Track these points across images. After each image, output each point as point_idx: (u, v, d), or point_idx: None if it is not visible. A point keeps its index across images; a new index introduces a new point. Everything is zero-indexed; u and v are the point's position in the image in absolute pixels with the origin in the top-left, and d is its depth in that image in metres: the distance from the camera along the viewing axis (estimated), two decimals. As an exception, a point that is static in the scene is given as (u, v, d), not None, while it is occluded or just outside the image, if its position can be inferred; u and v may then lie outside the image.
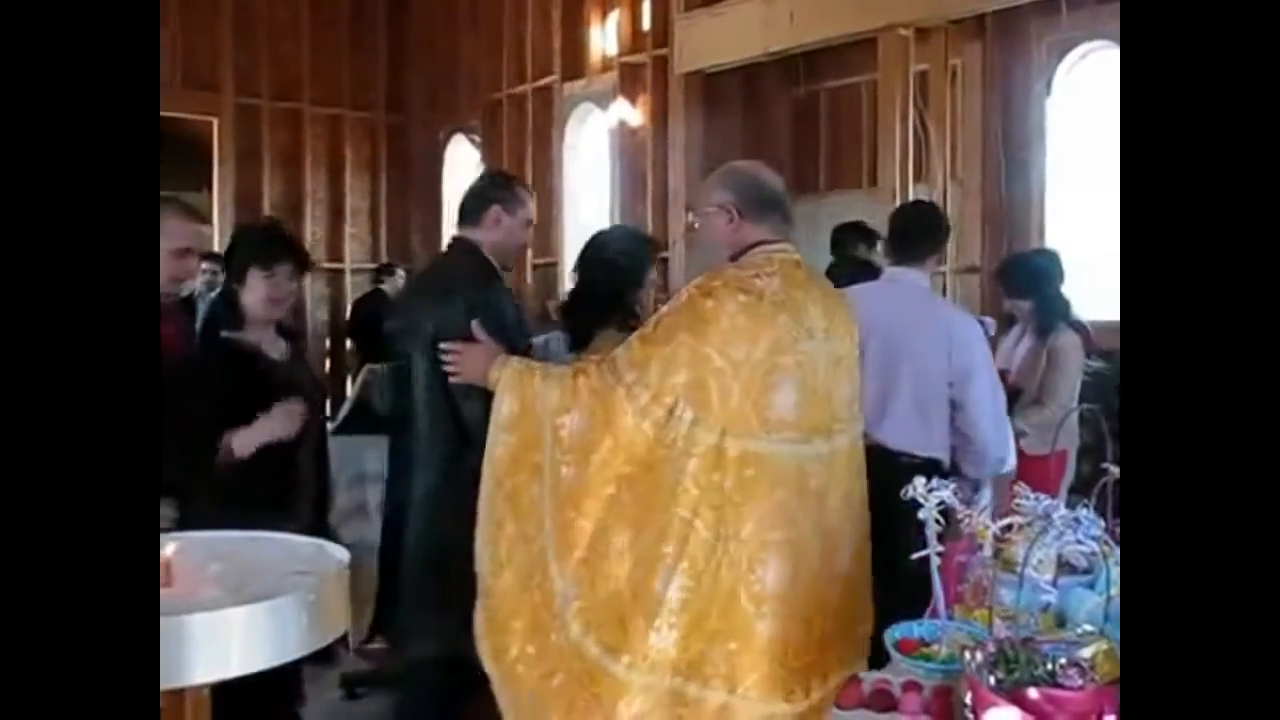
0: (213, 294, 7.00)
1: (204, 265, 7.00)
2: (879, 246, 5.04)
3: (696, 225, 2.52)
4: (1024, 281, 4.05)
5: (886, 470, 3.02)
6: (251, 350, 2.74)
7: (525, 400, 2.37)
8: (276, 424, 2.62)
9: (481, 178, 3.41)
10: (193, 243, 2.76)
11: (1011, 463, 3.52)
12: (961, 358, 3.09)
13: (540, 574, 2.32)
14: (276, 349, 2.80)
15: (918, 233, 3.36)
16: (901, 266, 3.31)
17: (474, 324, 2.59)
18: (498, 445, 2.40)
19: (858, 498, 2.44)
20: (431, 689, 2.92)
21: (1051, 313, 3.92)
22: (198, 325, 6.73)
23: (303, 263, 2.82)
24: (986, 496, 3.20)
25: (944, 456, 3.14)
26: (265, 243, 2.82)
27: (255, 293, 2.71)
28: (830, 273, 4.13)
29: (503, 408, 2.40)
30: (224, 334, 2.77)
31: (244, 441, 2.57)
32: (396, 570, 2.94)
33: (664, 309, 2.35)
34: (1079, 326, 4.22)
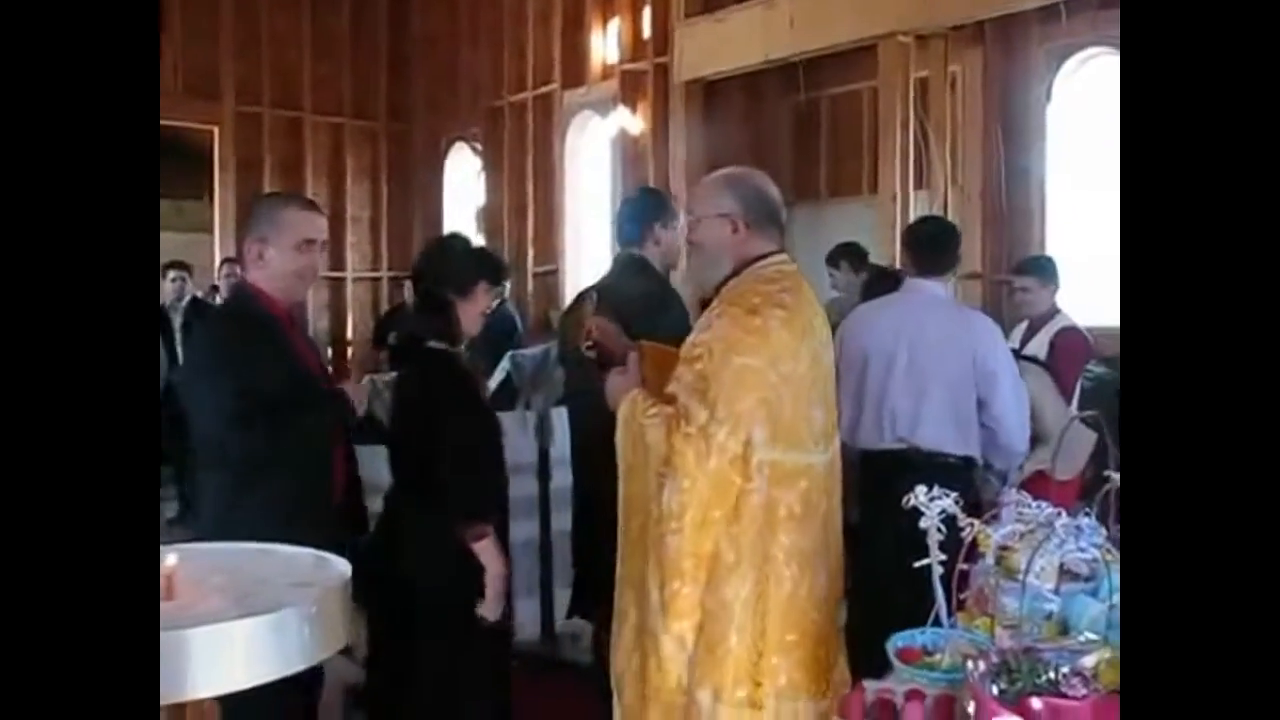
0: (182, 303, 6.79)
1: (171, 274, 6.79)
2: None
3: (694, 231, 2.42)
4: None
5: (926, 471, 3.10)
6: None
7: (633, 441, 2.31)
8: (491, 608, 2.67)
9: (635, 198, 3.83)
10: (315, 234, 2.60)
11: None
12: (987, 360, 3.28)
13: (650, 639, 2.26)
14: None
15: (938, 245, 3.53)
16: (922, 278, 3.45)
17: (631, 356, 2.47)
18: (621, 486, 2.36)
19: (839, 494, 2.51)
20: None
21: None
22: (177, 338, 6.61)
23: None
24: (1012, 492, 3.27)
25: (977, 454, 3.31)
26: (491, 258, 2.89)
27: (477, 306, 2.73)
28: (873, 286, 4.21)
29: (622, 449, 2.34)
30: (435, 344, 2.72)
31: (490, 606, 2.66)
32: (584, 557, 3.45)
33: (700, 332, 2.27)
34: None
